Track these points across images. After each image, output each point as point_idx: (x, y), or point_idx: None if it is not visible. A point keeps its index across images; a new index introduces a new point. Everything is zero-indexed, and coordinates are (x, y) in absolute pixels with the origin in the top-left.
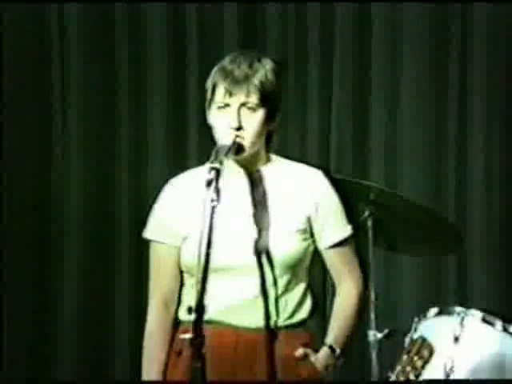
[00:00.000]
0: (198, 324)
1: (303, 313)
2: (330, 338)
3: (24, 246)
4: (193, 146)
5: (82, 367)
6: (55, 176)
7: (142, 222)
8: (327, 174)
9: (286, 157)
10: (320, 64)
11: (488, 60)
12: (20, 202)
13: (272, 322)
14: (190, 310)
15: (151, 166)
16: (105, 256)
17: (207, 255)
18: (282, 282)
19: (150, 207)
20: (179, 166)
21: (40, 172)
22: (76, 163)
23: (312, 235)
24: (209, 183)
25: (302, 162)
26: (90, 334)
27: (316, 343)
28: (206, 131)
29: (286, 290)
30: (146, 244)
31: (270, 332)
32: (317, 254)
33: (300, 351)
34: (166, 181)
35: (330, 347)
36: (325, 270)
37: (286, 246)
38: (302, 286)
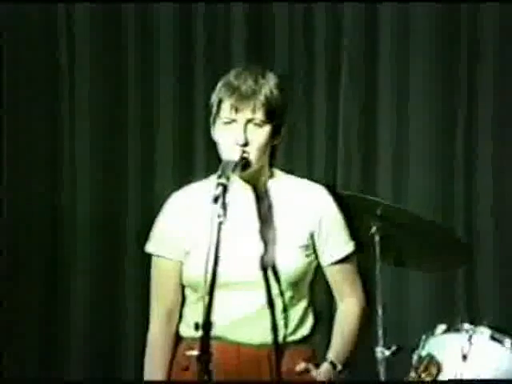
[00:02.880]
0: (206, 341)
1: (305, 329)
2: (331, 354)
3: (33, 253)
4: (200, 156)
5: (91, 368)
6: (64, 184)
7: (150, 230)
8: (331, 190)
9: (292, 171)
10: (327, 76)
11: (499, 64)
12: (28, 212)
13: (279, 337)
14: (197, 327)
15: (159, 176)
16: (113, 261)
17: (214, 272)
18: (284, 297)
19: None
20: (186, 176)
21: (49, 180)
22: (84, 172)
23: (315, 251)
24: (216, 199)
25: (308, 176)
26: (100, 335)
27: (317, 359)
28: (214, 142)
29: (289, 305)
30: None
31: (272, 347)
32: (320, 270)
33: (301, 365)
34: (173, 190)
35: (331, 363)
36: (328, 286)
37: (290, 261)
38: (304, 302)
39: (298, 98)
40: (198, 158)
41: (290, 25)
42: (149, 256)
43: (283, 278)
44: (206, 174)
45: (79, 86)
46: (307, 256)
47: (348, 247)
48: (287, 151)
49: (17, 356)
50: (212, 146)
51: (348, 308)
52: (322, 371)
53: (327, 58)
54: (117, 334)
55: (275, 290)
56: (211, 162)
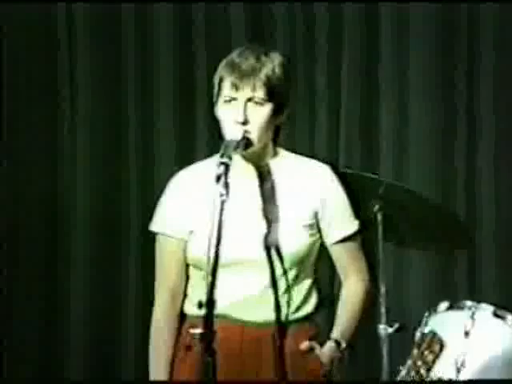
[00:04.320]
0: (209, 319)
1: (309, 307)
2: (335, 332)
3: (32, 247)
4: (201, 144)
5: (91, 366)
6: (63, 176)
7: (151, 220)
8: (335, 169)
9: (294, 151)
10: (328, 60)
11: (496, 59)
12: (29, 202)
13: (282, 315)
14: (200, 305)
15: (159, 165)
16: (113, 254)
17: (217, 251)
18: (288, 276)
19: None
20: (188, 160)
21: (48, 172)
22: (84, 163)
23: (319, 230)
24: (218, 178)
25: (310, 156)
26: (100, 333)
27: (321, 337)
28: (215, 130)
29: (293, 284)
30: (154, 241)
31: (276, 326)
32: (324, 249)
33: (306, 344)
34: None
35: (336, 341)
36: (332, 265)
37: (294, 240)
38: (308, 281)
39: (300, 83)
40: (199, 147)
41: (291, 12)
42: (150, 247)
43: (287, 256)
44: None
45: (79, 77)
46: (311, 235)
47: (352, 226)
48: (289, 137)
49: (16, 355)
50: (213, 132)
51: (353, 287)
52: (326, 350)
53: (328, 44)
54: (118, 330)
55: (279, 269)
56: (213, 149)
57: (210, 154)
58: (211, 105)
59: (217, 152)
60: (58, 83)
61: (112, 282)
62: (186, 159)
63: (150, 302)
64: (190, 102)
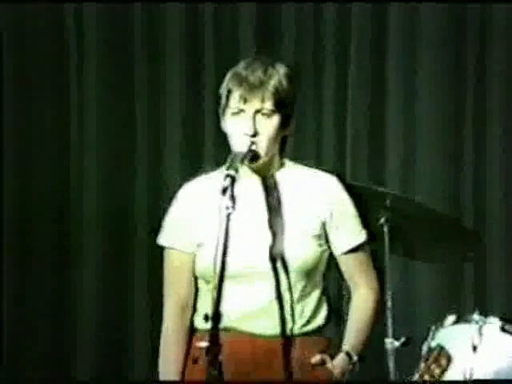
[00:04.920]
0: (214, 332)
1: (319, 319)
2: (347, 345)
3: (42, 251)
4: (209, 146)
5: (100, 367)
6: (73, 177)
7: (160, 223)
8: (341, 179)
9: (301, 162)
10: (335, 68)
11: (507, 60)
12: (38, 203)
13: (288, 329)
14: (206, 318)
15: (168, 168)
16: (123, 257)
17: (223, 263)
18: (297, 288)
19: (167, 209)
20: (195, 167)
21: (58, 169)
22: (92, 163)
23: (327, 241)
24: (224, 190)
25: (317, 167)
26: (109, 334)
27: (332, 349)
28: (223, 134)
29: (302, 296)
30: (162, 246)
31: (286, 339)
32: (332, 260)
33: (317, 358)
34: (182, 181)
35: (347, 353)
36: (341, 276)
37: (301, 251)
38: (317, 292)
39: (306, 87)
40: (206, 149)
41: (299, 13)
42: (159, 250)
43: (294, 268)
44: (215, 166)
45: (88, 75)
46: (319, 246)
47: (360, 236)
48: (296, 142)
49: (26, 355)
50: (221, 137)
51: (362, 297)
52: (338, 363)
53: (335, 46)
54: (127, 331)
55: (286, 281)
56: (220, 153)
57: (217, 155)
58: (219, 100)
59: (225, 159)
60: (67, 74)
61: (122, 282)
62: (194, 161)
63: (160, 304)
64: (199, 102)
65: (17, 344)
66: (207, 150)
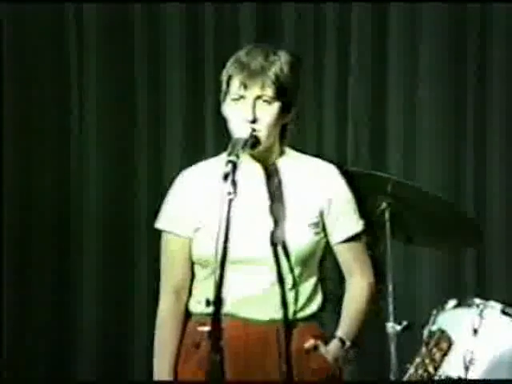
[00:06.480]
0: (217, 317)
1: (314, 306)
2: (340, 331)
3: (43, 248)
4: (210, 139)
5: (101, 367)
6: (73, 176)
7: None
8: (341, 168)
9: (302, 150)
10: (336, 57)
11: (507, 57)
12: (39, 198)
13: (288, 313)
14: (208, 303)
15: (169, 160)
16: (123, 256)
17: (225, 249)
18: (294, 274)
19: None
20: (197, 160)
21: (59, 172)
22: (94, 159)
23: (324, 229)
24: (226, 176)
25: (318, 154)
26: (110, 334)
27: (326, 336)
28: (223, 124)
29: (299, 282)
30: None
31: (280, 324)
32: (329, 248)
33: (310, 342)
34: None
35: (340, 339)
36: (338, 264)
37: (299, 238)
38: (313, 280)
39: (307, 78)
40: (207, 147)
41: (300, 11)
42: (159, 245)
43: (293, 254)
44: (216, 155)
45: (88, 74)
46: (316, 234)
47: (357, 226)
48: (297, 132)
49: (28, 356)
50: (222, 128)
51: (357, 286)
52: (331, 348)
53: (336, 39)
54: (128, 331)
55: (285, 267)
56: (221, 151)
57: (218, 150)
58: (219, 103)
59: (225, 149)
60: (70, 85)
61: (123, 281)
62: (195, 156)
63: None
64: (199, 99)
65: (17, 344)
66: (208, 147)
